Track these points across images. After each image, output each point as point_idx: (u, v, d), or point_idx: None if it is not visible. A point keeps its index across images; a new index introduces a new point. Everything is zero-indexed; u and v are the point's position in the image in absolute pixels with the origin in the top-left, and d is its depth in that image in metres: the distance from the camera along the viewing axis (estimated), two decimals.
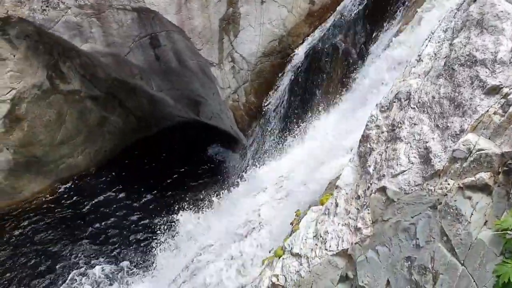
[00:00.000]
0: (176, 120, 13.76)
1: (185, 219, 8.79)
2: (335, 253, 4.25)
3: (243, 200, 7.40)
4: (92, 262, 10.41)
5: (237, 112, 10.71)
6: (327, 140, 6.90)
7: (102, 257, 10.49)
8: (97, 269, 10.03)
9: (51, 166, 12.59)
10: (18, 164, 12.12)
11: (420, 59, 4.26)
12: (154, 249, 9.51)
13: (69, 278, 10.20)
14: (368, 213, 4.02)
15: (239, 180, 8.44)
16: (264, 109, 10.40)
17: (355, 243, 4.07)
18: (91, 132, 12.87)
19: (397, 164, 3.78)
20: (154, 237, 10.32)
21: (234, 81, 10.49)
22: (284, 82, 9.85)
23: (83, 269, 10.26)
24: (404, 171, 3.71)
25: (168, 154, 12.90)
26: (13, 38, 11.31)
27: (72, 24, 10.61)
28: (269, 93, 10.18)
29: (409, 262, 3.71)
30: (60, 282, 10.18)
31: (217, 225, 7.65)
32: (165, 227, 10.16)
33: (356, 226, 4.12)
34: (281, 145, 8.96)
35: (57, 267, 10.67)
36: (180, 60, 11.28)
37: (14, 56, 11.46)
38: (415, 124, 3.82)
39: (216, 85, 10.84)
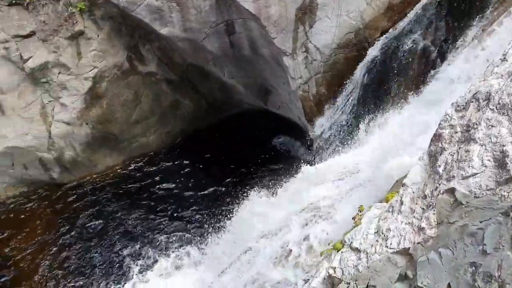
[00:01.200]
0: (245, 108, 14.03)
1: (248, 204, 9.04)
2: (395, 251, 4.23)
3: (305, 190, 7.49)
4: (157, 238, 10.98)
5: (306, 103, 10.75)
6: (398, 137, 6.80)
7: (165, 234, 11.03)
8: (163, 241, 10.58)
9: (125, 143, 13.36)
10: (95, 139, 12.99)
11: (504, 58, 4.10)
12: (216, 231, 9.88)
13: (133, 252, 10.84)
14: (434, 213, 3.96)
15: (303, 170, 8.53)
16: (334, 102, 10.36)
17: (418, 243, 4.03)
18: (164, 114, 13.47)
19: (469, 166, 3.69)
20: (217, 220, 10.65)
21: (306, 72, 10.52)
22: (357, 75, 9.75)
23: (148, 243, 10.87)
24: (476, 174, 3.61)
25: (235, 141, 13.21)
26: (98, 19, 12.09)
27: (153, 8, 11.13)
28: (341, 86, 10.11)
29: (474, 268, 3.63)
30: (127, 253, 10.87)
31: (278, 213, 7.80)
32: (228, 211, 10.47)
33: (420, 226, 4.07)
34: (349, 139, 8.91)
35: (123, 239, 11.38)
36: (254, 48, 11.48)
37: (98, 36, 12.26)
38: (492, 126, 3.70)
39: (287, 75, 10.93)
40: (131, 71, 12.79)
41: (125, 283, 10.19)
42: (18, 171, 13.17)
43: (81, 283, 10.67)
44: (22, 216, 12.67)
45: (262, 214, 8.79)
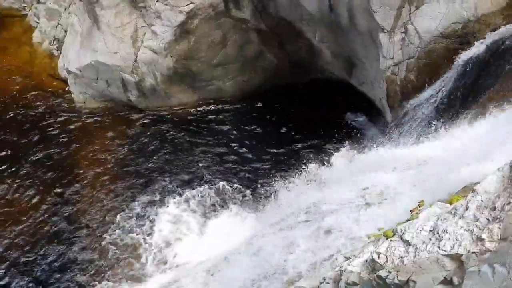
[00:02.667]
0: (326, 75, 13.84)
1: (308, 172, 9.18)
2: (447, 253, 4.18)
3: (369, 172, 7.44)
4: (214, 180, 11.42)
5: (391, 86, 10.44)
6: (479, 142, 6.51)
7: (220, 176, 11.44)
8: (220, 185, 11.05)
9: (202, 83, 13.73)
10: (176, 73, 13.45)
11: None
12: (271, 188, 10.20)
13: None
14: (499, 227, 3.85)
15: (371, 152, 8.42)
16: (421, 91, 9.98)
17: (473, 252, 3.95)
18: (246, 63, 13.63)
19: None
20: (271, 185, 10.85)
21: (400, 54, 10.15)
22: (453, 69, 9.28)
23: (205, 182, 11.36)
24: None
25: (309, 106, 13.17)
26: None
27: None
28: (433, 76, 9.69)
29: None
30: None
31: (336, 188, 7.84)
32: (285, 177, 10.64)
33: (480, 236, 3.98)
34: (426, 132, 8.63)
35: (180, 175, 11.93)
36: (351, 17, 11.19)
37: None
38: None
39: (379, 52, 10.62)
40: (225, 13, 12.94)
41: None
42: (101, 85, 14.02)
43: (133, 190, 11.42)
44: (95, 125, 13.60)
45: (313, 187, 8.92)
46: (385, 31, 10.19)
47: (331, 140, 11.58)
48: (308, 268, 6.56)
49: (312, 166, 9.60)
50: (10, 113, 14.21)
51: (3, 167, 12.51)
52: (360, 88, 12.73)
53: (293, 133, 12.50)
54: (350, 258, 5.32)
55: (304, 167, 10.16)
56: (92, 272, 9.95)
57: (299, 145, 12.09)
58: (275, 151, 12.07)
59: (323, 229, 6.91)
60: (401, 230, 4.86)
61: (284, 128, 12.72)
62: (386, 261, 4.72)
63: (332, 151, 10.21)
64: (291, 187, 9.92)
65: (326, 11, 11.51)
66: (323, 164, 9.55)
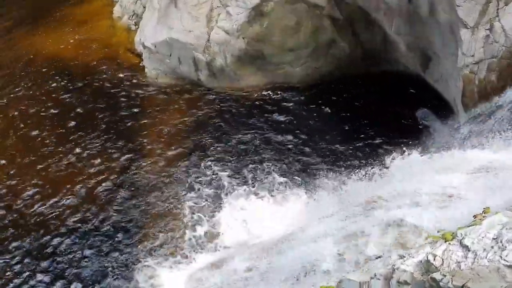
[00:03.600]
0: (399, 68, 13.50)
1: (373, 166, 9.13)
2: (509, 264, 4.07)
3: (435, 173, 7.27)
4: (273, 165, 11.60)
5: (468, 86, 10.00)
6: None
7: (278, 163, 11.59)
8: (278, 171, 11.17)
9: (272, 67, 13.86)
10: (247, 55, 13.66)
11: None
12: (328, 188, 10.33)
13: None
14: None
15: (440, 153, 8.18)
16: (500, 95, 9.49)
17: None
18: (317, 50, 13.56)
19: None
20: (335, 177, 10.84)
21: (481, 52, 9.68)
22: None
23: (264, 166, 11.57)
24: None
25: (378, 98, 12.92)
26: None
27: None
28: None
29: None
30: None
31: (399, 184, 7.72)
32: (349, 171, 10.59)
33: None
34: (500, 137, 8.24)
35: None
36: (432, 10, 10.80)
37: None
38: None
39: (458, 48, 10.19)
40: None
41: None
42: (173, 63, 14.53)
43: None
44: (164, 101, 14.16)
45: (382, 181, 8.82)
46: (468, 26, 9.74)
47: (397, 137, 11.31)
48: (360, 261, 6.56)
49: (377, 161, 9.46)
50: (86, 81, 15.14)
51: (73, 133, 13.35)
52: (434, 85, 12.29)
53: (358, 126, 12.31)
54: (404, 256, 5.28)
55: (371, 161, 10.04)
56: (150, 240, 10.44)
57: (364, 140, 11.90)
58: (335, 145, 11.96)
59: (382, 225, 6.86)
60: (461, 235, 4.77)
61: (349, 121, 12.56)
62: (442, 264, 4.66)
63: (397, 149, 9.96)
64: (350, 182, 9.89)
65: (405, 1, 11.16)
66: (387, 162, 9.38)
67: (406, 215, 6.62)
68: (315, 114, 13.00)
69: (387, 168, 9.30)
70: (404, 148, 9.47)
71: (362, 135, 12.03)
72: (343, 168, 11.03)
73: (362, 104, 12.94)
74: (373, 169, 9.59)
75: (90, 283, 9.82)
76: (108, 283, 9.77)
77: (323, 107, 13.14)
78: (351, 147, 11.75)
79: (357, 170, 10.19)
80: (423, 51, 12.12)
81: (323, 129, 12.54)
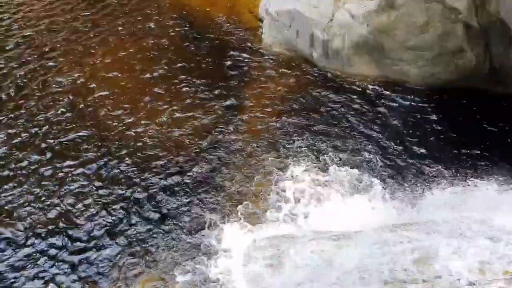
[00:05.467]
0: None
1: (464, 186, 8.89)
2: None
3: None
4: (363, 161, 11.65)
5: None
6: None
7: (368, 162, 11.59)
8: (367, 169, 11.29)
9: (388, 62, 13.60)
10: (366, 43, 13.52)
11: None
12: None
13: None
14: None
15: None
16: None
17: None
18: (440, 55, 13.04)
19: None
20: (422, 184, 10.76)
21: None
22: None
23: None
24: None
25: (494, 121, 12.21)
26: None
27: None
28: None
29: None
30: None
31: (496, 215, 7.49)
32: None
33: None
34: None
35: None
36: None
37: None
38: None
39: None
40: None
41: None
42: (291, 34, 14.81)
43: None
44: (273, 69, 14.52)
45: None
46: None
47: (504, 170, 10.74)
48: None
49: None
50: (203, 32, 15.94)
51: (177, 77, 14.21)
52: None
53: (464, 142, 11.81)
54: (474, 284, 5.20)
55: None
56: (231, 199, 11.01)
57: (465, 158, 11.46)
58: (434, 154, 11.65)
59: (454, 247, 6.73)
60: None
61: (456, 135, 12.09)
62: None
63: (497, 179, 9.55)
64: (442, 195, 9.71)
65: None
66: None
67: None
68: (422, 117, 12.68)
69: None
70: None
71: (465, 153, 11.56)
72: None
73: (475, 121, 12.30)
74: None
75: (169, 219, 10.72)
76: (178, 225, 10.56)
77: (433, 113, 12.75)
78: (450, 162, 11.37)
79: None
80: None
81: (425, 134, 12.23)
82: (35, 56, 15.32)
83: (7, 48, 15.64)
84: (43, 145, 12.42)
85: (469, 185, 10.38)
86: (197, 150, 12.16)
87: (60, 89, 14.11)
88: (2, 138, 12.66)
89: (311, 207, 10.51)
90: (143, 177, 11.56)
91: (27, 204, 11.04)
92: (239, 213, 10.53)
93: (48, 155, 12.16)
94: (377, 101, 13.28)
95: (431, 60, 13.19)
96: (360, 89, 13.69)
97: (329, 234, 9.35)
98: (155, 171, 11.70)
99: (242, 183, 11.28)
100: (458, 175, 10.91)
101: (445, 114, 12.68)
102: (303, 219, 10.35)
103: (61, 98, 13.77)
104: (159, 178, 11.52)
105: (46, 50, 15.53)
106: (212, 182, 11.38)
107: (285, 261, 8.86)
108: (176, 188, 11.30)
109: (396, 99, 13.26)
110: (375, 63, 13.81)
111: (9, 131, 12.83)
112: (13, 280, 9.65)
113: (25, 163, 11.95)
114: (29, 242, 10.32)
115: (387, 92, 13.48)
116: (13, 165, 11.93)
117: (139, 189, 11.31)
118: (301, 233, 9.79)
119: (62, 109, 13.42)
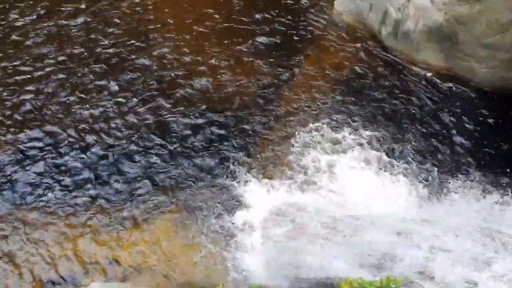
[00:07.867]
0: None
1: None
2: None
3: None
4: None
5: None
6: None
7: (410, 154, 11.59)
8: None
9: (458, 55, 13.05)
10: (440, 31, 12.95)
11: None
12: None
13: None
14: None
15: None
16: None
17: None
18: None
19: None
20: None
21: None
22: None
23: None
24: None
25: None
26: None
27: None
28: None
29: None
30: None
31: None
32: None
33: None
34: None
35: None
36: None
37: None
38: None
39: None
40: None
41: None
42: (364, 7, 14.41)
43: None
44: (334, 39, 14.34)
45: None
46: None
47: None
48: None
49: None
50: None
51: (234, 36, 14.19)
52: None
53: None
54: None
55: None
56: (259, 158, 11.41)
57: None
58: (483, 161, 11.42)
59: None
60: None
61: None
62: None
63: None
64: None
65: None
66: None
67: None
68: (479, 121, 12.37)
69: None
70: None
71: None
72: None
73: None
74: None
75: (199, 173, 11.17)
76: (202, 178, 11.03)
77: (493, 120, 12.41)
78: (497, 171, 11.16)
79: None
80: None
81: (478, 138, 12.00)
82: None
83: None
84: None
85: None
86: (243, 103, 12.48)
87: None
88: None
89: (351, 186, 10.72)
90: (193, 123, 12.01)
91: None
92: (262, 172, 10.99)
93: None
94: (435, 93, 12.90)
95: (504, 63, 12.55)
96: (421, 76, 13.30)
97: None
98: (206, 118, 12.11)
99: (282, 144, 11.62)
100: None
101: (507, 126, 12.25)
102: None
103: None
104: (214, 127, 11.95)
105: None
106: (251, 138, 11.77)
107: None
108: (213, 138, 11.76)
109: (456, 96, 12.82)
110: (444, 54, 13.30)
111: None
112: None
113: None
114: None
115: (448, 86, 13.03)
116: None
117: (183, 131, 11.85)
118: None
119: None
